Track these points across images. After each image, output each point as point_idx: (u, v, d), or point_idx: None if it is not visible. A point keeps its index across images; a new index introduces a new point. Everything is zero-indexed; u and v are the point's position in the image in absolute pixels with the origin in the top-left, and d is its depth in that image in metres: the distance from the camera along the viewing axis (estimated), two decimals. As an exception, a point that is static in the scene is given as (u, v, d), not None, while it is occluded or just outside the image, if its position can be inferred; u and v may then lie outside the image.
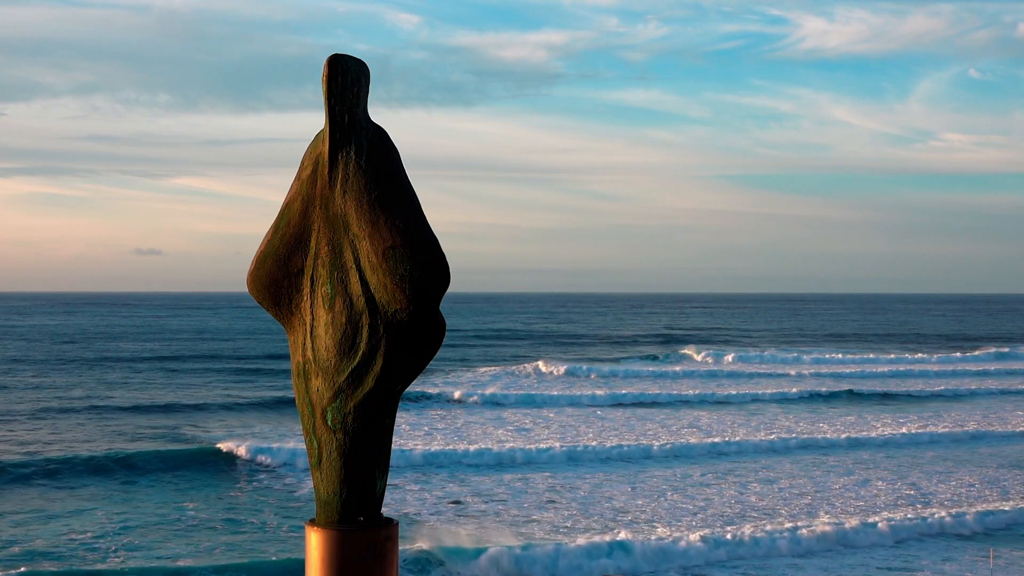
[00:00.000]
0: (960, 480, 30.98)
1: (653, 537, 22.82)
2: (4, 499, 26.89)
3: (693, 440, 37.53)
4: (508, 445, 35.66)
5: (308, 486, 28.43)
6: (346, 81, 4.72)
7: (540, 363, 65.75)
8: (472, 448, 34.68)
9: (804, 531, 23.55)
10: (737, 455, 34.74)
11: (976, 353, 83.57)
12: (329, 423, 4.80)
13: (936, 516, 25.20)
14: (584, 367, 64.17)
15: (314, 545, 4.79)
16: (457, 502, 27.50)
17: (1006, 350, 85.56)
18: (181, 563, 21.15)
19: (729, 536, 22.99)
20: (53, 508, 25.82)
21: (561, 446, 35.58)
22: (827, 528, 23.75)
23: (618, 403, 48.62)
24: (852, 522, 24.41)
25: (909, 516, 25.27)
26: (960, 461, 34.38)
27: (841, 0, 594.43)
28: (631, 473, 31.70)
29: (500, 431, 39.39)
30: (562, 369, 62.65)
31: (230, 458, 32.06)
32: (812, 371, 66.07)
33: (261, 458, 31.91)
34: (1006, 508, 25.94)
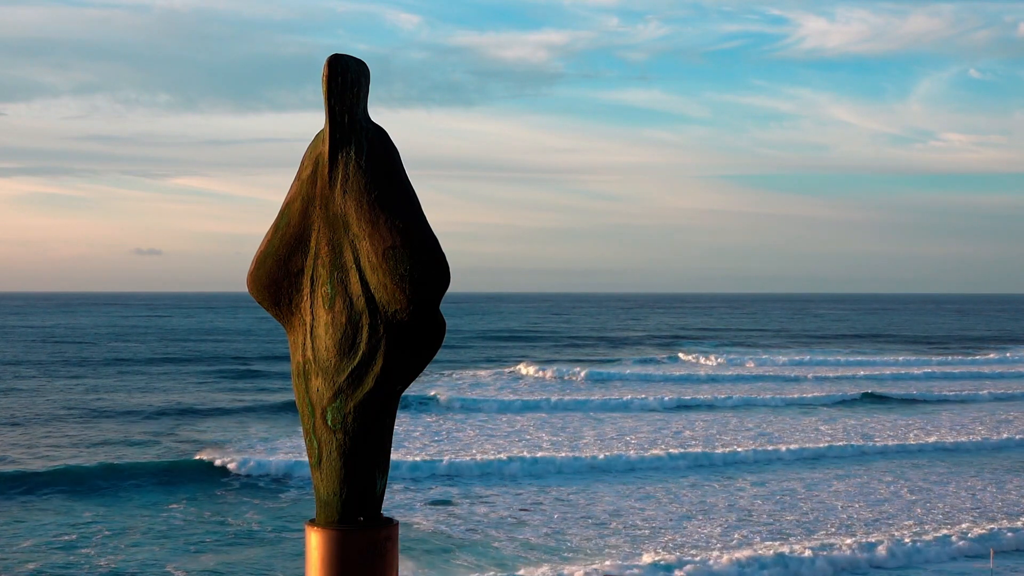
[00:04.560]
0: (970, 487, 30.95)
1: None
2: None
3: (690, 447, 37.51)
4: (504, 450, 35.61)
5: (298, 492, 28.38)
6: (346, 81, 4.71)
7: (538, 366, 65.71)
8: (466, 452, 34.66)
9: (804, 549, 23.43)
10: (734, 463, 33.92)
11: (991, 356, 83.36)
12: (329, 423, 4.79)
13: (944, 532, 25.08)
14: (581, 370, 64.06)
15: (314, 545, 4.78)
16: (448, 502, 27.47)
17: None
18: (171, 569, 21.09)
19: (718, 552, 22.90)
20: (38, 518, 25.50)
21: (557, 451, 35.54)
22: (840, 547, 23.60)
23: (616, 407, 48.42)
24: (855, 537, 24.32)
25: (913, 528, 25.20)
26: (967, 464, 34.31)
27: (841, 0, 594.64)
28: (626, 478, 31.64)
29: (496, 434, 39.33)
30: (559, 372, 62.57)
31: (224, 464, 31.42)
32: (815, 374, 65.92)
33: (253, 465, 31.18)
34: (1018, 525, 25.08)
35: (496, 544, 22.98)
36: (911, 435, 39.87)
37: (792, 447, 36.21)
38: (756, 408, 48.59)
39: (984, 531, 24.01)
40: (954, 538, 23.41)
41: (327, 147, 4.76)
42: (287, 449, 33.82)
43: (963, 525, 24.80)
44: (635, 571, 20.61)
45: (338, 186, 4.76)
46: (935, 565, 22.03)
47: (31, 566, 21.00)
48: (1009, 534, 23.92)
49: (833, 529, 24.52)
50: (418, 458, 32.33)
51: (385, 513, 4.94)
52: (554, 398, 49.63)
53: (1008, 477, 31.62)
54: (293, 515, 25.68)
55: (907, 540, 23.22)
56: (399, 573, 4.91)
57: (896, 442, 37.97)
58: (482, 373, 62.97)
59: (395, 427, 4.65)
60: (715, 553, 21.94)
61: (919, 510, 26.73)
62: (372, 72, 4.84)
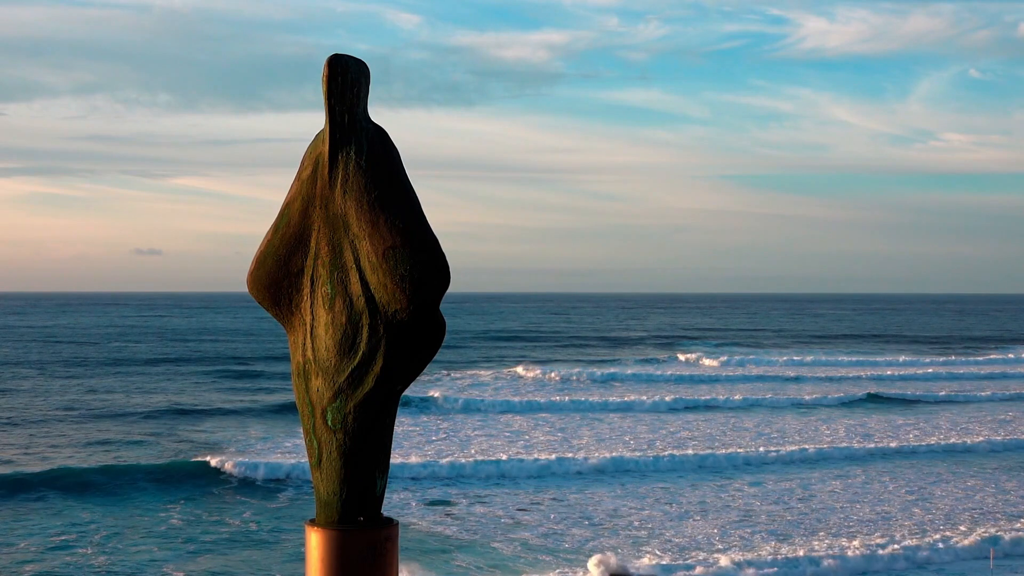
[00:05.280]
0: (970, 488, 30.90)
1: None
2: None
3: (689, 448, 37.46)
4: (503, 450, 35.57)
5: (296, 493, 28.34)
6: (346, 81, 4.71)
7: (538, 366, 65.64)
8: (465, 452, 34.62)
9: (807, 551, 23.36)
10: (734, 464, 33.55)
11: (991, 356, 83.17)
12: (329, 423, 4.79)
13: (944, 532, 25.00)
14: (581, 370, 63.94)
15: (314, 545, 4.78)
16: (446, 502, 27.46)
17: None
18: (169, 570, 21.03)
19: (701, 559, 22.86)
20: (36, 519, 25.36)
21: (556, 451, 35.48)
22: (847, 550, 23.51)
23: (616, 407, 48.21)
24: (856, 542, 24.26)
25: (916, 533, 25.15)
26: (967, 464, 34.25)
27: (842, 0, 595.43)
28: (625, 479, 31.56)
29: (495, 435, 39.26)
30: (559, 373, 62.45)
31: (222, 465, 31.02)
32: (815, 374, 65.79)
33: (252, 466, 30.89)
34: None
35: (494, 544, 22.98)
36: (911, 436, 39.82)
37: (792, 448, 36.12)
38: (756, 409, 48.50)
39: (984, 531, 23.99)
40: (954, 539, 23.39)
41: (327, 147, 4.76)
42: (286, 450, 33.80)
43: (963, 526, 24.79)
44: (634, 572, 20.60)
45: (338, 186, 4.76)
46: (935, 565, 22.01)
47: (29, 567, 20.98)
48: (1009, 534, 23.90)
49: (834, 530, 24.50)
50: (417, 459, 32.31)
51: (383, 513, 4.93)
52: (553, 398, 49.54)
53: (1008, 477, 31.59)
54: (291, 516, 25.67)
55: (907, 541, 23.21)
56: (399, 573, 4.91)
57: (896, 443, 37.89)
58: (482, 373, 62.93)
59: (394, 427, 4.62)
60: (715, 554, 21.93)
61: (919, 511, 26.71)
62: (372, 72, 4.83)
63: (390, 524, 4.87)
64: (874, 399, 52.74)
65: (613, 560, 20.61)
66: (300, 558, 20.70)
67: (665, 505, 27.29)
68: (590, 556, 21.40)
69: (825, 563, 21.62)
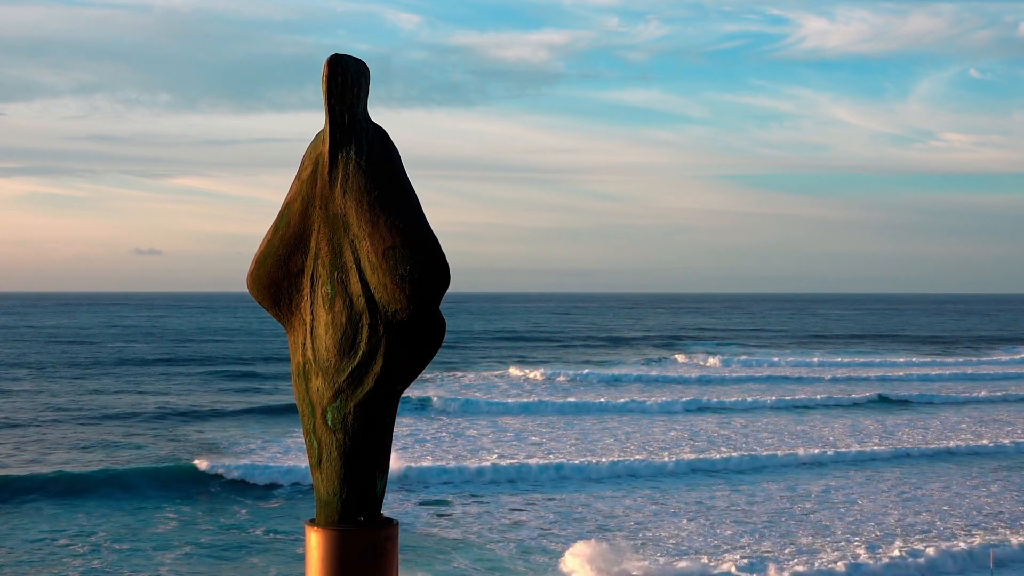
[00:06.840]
0: (971, 490, 30.88)
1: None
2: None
3: (689, 449, 37.43)
4: (501, 452, 35.55)
5: (295, 495, 28.31)
6: (346, 81, 4.71)
7: (537, 367, 65.62)
8: (463, 453, 34.60)
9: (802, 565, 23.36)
10: (733, 466, 33.13)
11: (994, 357, 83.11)
12: (329, 423, 4.79)
13: (944, 534, 25.00)
14: (580, 371, 63.89)
15: (314, 545, 4.78)
16: (444, 503, 27.46)
17: None
18: (164, 572, 21.01)
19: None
20: (32, 522, 25.19)
21: (554, 453, 35.46)
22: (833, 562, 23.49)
23: (615, 409, 48.02)
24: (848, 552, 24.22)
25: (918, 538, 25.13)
26: (968, 466, 34.23)
27: (842, 0, 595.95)
28: (624, 481, 31.53)
29: (494, 436, 39.19)
30: (558, 373, 62.40)
31: (220, 466, 30.60)
32: (815, 375, 65.73)
33: (250, 468, 30.49)
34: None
35: (491, 546, 22.97)
36: (912, 437, 39.79)
37: (792, 450, 36.03)
38: (756, 410, 48.38)
39: (985, 534, 23.99)
40: (955, 541, 23.39)
41: (327, 147, 4.76)
42: (284, 451, 33.78)
43: (964, 528, 24.79)
44: (633, 574, 20.62)
45: (338, 186, 4.76)
46: (935, 568, 22.00)
47: (26, 569, 20.97)
48: (1010, 538, 23.90)
49: (834, 532, 24.49)
50: (415, 459, 32.29)
51: (383, 513, 4.93)
52: (552, 399, 49.40)
53: (1010, 479, 31.58)
54: (289, 516, 25.65)
55: (908, 543, 23.22)
56: (399, 573, 4.91)
57: (897, 444, 37.86)
58: (482, 373, 62.91)
59: (394, 427, 4.64)
60: (715, 556, 21.94)
61: (919, 513, 26.71)
62: (372, 72, 4.84)
63: (390, 524, 4.87)
64: (874, 400, 52.61)
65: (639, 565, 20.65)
66: (298, 559, 20.70)
67: (665, 507, 27.27)
68: (589, 558, 21.42)
69: (827, 566, 21.62)
